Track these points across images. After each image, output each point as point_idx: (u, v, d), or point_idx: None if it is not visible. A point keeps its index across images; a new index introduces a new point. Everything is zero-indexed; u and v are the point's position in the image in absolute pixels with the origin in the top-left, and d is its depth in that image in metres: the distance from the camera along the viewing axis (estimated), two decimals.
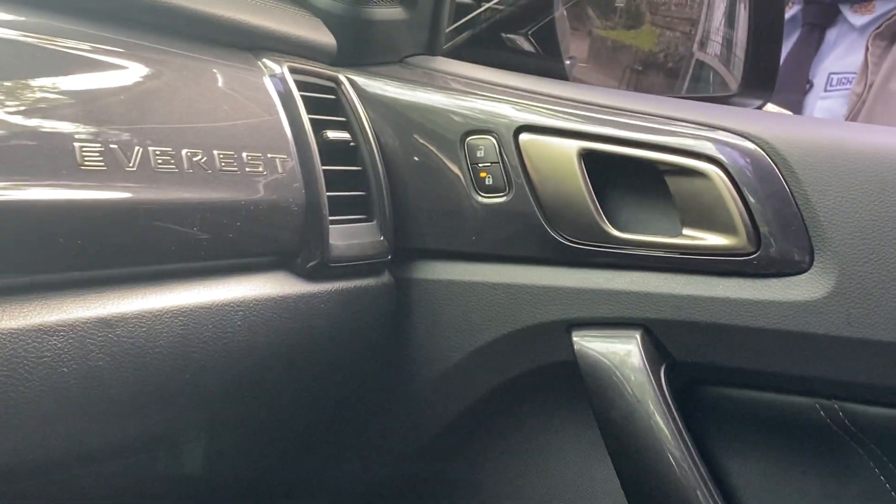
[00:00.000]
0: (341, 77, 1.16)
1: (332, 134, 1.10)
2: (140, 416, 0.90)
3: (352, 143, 1.14)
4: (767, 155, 1.02)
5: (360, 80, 1.18)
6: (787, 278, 1.01)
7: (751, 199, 1.02)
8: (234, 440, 1.12)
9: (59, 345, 0.79)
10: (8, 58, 0.80)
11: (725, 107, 1.25)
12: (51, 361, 0.78)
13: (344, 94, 1.16)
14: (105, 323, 0.83)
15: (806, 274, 1.00)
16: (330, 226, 1.06)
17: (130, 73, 0.90)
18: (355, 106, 1.16)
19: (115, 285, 0.86)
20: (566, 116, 1.11)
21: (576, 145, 1.09)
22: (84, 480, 0.96)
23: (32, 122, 0.79)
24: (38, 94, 0.81)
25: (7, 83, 0.79)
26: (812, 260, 1.00)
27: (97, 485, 0.98)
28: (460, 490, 1.25)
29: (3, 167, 0.75)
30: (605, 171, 1.08)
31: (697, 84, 1.77)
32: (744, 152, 1.03)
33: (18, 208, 0.76)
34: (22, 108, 0.79)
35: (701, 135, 1.06)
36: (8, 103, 0.78)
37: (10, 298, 0.77)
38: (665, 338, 1.06)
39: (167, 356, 0.88)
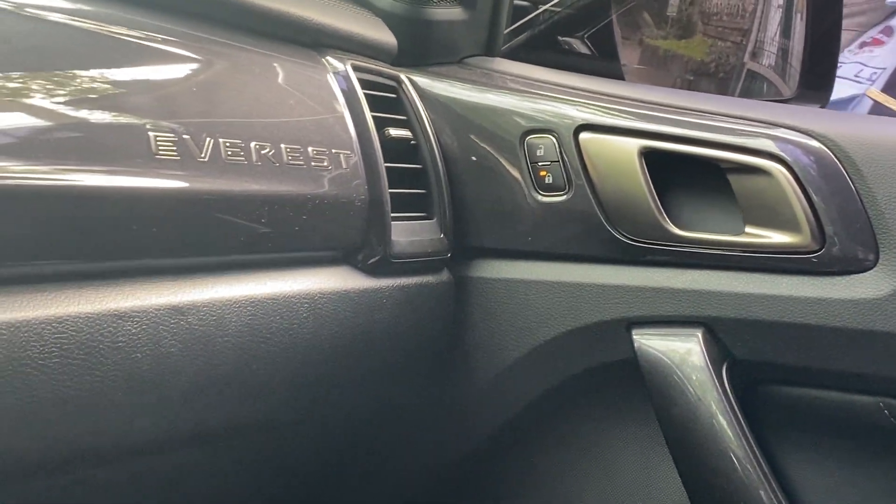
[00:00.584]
0: (402, 76, 1.17)
1: (394, 132, 1.11)
2: (208, 404, 0.90)
3: (413, 142, 1.15)
4: (832, 152, 1.02)
5: (421, 80, 1.19)
6: (851, 276, 1.01)
7: (815, 197, 1.01)
8: (295, 432, 1.12)
9: (134, 330, 0.80)
10: (88, 48, 0.82)
11: (788, 105, 1.25)
12: (125, 347, 0.79)
13: (405, 93, 1.17)
14: (177, 310, 0.84)
15: (870, 272, 1.00)
16: (392, 222, 1.07)
17: (202, 66, 0.92)
18: (416, 105, 1.17)
19: (187, 274, 0.87)
20: (626, 115, 1.11)
21: (636, 144, 1.09)
22: (149, 468, 0.97)
23: (109, 111, 0.80)
24: (115, 84, 0.82)
25: (86, 72, 0.80)
26: (877, 258, 1.00)
27: (159, 473, 0.99)
28: (518, 489, 1.25)
29: (82, 153, 0.76)
30: (666, 169, 1.08)
31: (750, 93, 1.77)
32: (808, 150, 1.03)
33: (95, 194, 0.77)
34: (100, 97, 0.80)
35: (764, 133, 1.05)
36: (87, 92, 0.79)
37: (86, 284, 0.78)
38: (727, 336, 1.06)
39: (236, 345, 0.89)
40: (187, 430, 0.91)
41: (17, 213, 0.72)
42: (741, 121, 1.08)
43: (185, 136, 0.85)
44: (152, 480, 0.99)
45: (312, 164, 0.98)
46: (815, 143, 1.03)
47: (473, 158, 1.17)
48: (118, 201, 0.79)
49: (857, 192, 1.00)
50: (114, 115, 0.80)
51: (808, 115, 1.10)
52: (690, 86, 1.72)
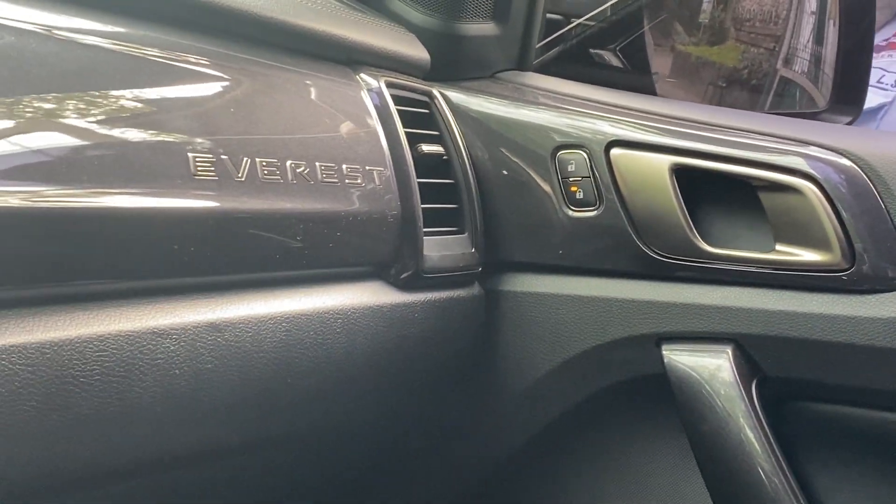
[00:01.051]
0: (435, 91, 1.19)
1: (426, 147, 1.12)
2: (244, 417, 0.92)
3: (445, 157, 1.16)
4: (862, 171, 1.02)
5: (453, 95, 1.20)
6: (882, 294, 1.01)
7: (845, 216, 1.02)
8: (326, 445, 1.14)
9: (172, 347, 0.82)
10: (124, 69, 0.83)
11: (817, 122, 1.25)
12: (164, 364, 0.81)
13: (437, 108, 1.18)
14: (214, 327, 0.85)
15: None
16: (424, 237, 1.08)
17: (238, 85, 0.93)
18: (448, 120, 1.18)
19: (224, 291, 0.88)
20: (657, 131, 1.12)
21: (667, 160, 1.09)
22: (186, 480, 0.98)
23: (149, 132, 0.82)
24: (153, 105, 0.84)
25: (123, 93, 0.82)
26: None
27: (197, 485, 1.01)
28: (547, 500, 1.26)
29: (122, 174, 0.78)
30: (697, 185, 1.09)
31: (783, 100, 1.77)
32: (838, 168, 1.03)
33: (135, 215, 0.79)
34: (139, 118, 0.82)
35: (794, 150, 1.06)
36: (126, 113, 0.81)
37: (126, 303, 0.80)
38: (756, 352, 1.06)
39: (271, 360, 0.91)
40: (224, 442, 0.93)
41: (59, 233, 0.74)
42: (772, 138, 1.08)
43: (223, 157, 0.86)
44: (190, 492, 1.01)
45: (346, 181, 0.99)
46: (845, 162, 1.03)
47: (505, 173, 1.18)
48: (158, 221, 0.80)
49: (887, 210, 1.01)
50: (154, 136, 0.82)
51: (839, 133, 1.10)
52: (723, 93, 1.72)
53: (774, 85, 1.79)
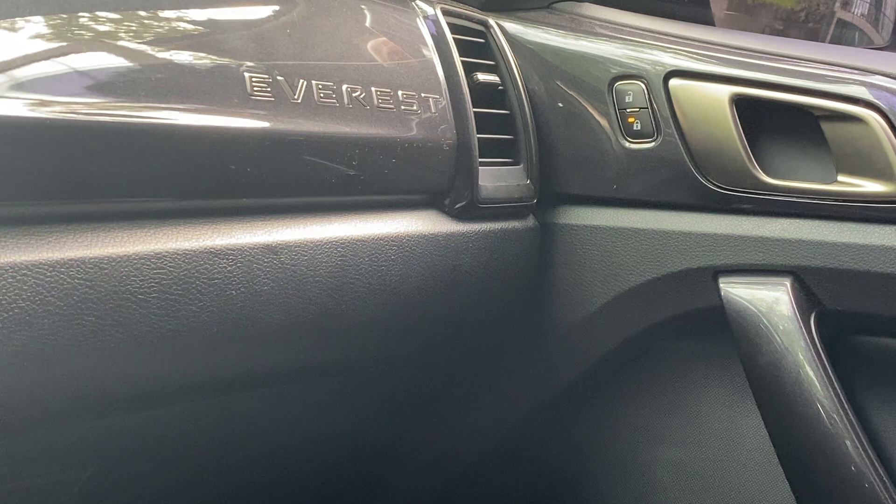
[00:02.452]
0: (491, 21, 1.17)
1: (482, 76, 1.11)
2: (297, 343, 0.92)
3: (500, 87, 1.15)
4: None
5: (509, 26, 1.19)
6: None
7: None
8: (377, 376, 1.14)
9: (229, 268, 0.82)
10: None
11: (881, 52, 1.22)
12: (221, 283, 0.81)
13: (493, 38, 1.16)
14: (270, 249, 0.85)
15: None
16: (479, 167, 1.07)
17: (295, 7, 0.93)
18: (504, 50, 1.16)
19: (279, 214, 0.88)
20: (717, 61, 1.10)
21: (727, 90, 1.07)
22: (243, 403, 0.99)
23: (206, 52, 0.81)
24: (211, 26, 0.84)
25: (182, 13, 0.81)
26: None
27: (254, 408, 1.02)
28: (600, 433, 1.26)
29: (180, 93, 0.78)
30: (757, 116, 1.07)
31: (841, 40, 1.73)
32: None
33: (192, 133, 0.79)
34: (197, 38, 0.81)
35: (858, 79, 1.03)
36: (184, 33, 0.81)
37: (183, 222, 0.80)
38: (816, 285, 1.05)
39: (327, 285, 0.91)
40: (281, 366, 0.93)
41: (116, 150, 0.74)
42: (835, 67, 1.06)
43: (279, 78, 0.86)
44: (247, 414, 1.02)
45: (402, 107, 0.98)
46: None
47: (561, 104, 1.16)
48: (214, 141, 0.80)
49: None
50: (210, 56, 0.82)
51: None
52: (779, 35, 1.69)
53: (833, 25, 1.75)
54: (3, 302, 0.67)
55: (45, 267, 0.69)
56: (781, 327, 1.04)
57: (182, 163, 0.78)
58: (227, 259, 0.81)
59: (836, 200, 1.03)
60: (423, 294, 1.03)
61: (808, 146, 1.06)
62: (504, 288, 1.15)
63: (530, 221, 1.17)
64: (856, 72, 1.05)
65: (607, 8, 1.26)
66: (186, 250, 0.79)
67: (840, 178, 1.03)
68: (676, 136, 1.10)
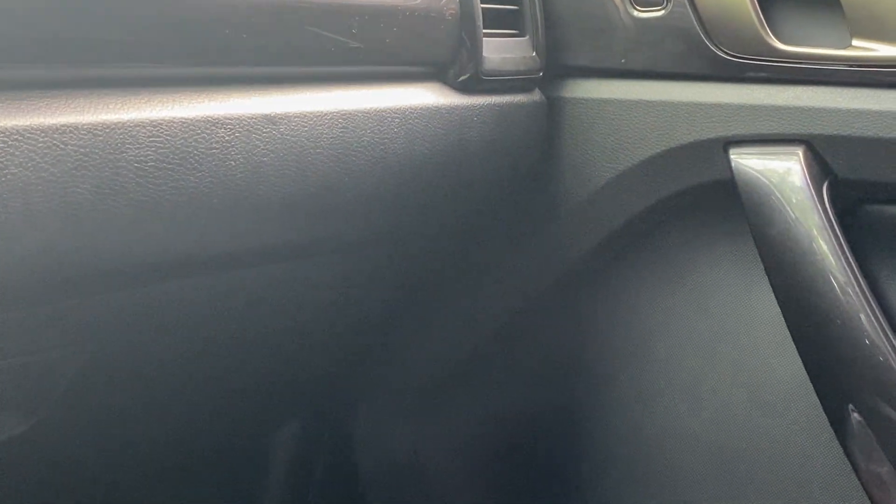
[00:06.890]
0: None
1: None
2: (302, 214, 0.91)
3: None
4: None
5: None
6: None
7: None
8: (386, 247, 1.13)
9: (227, 137, 0.80)
10: None
11: None
12: (219, 153, 0.79)
13: None
14: (269, 119, 0.83)
15: None
16: (483, 38, 1.04)
17: None
18: None
19: (278, 84, 0.86)
20: None
21: None
22: (244, 279, 0.98)
23: None
24: None
25: None
26: None
27: (256, 284, 1.01)
28: (611, 309, 1.25)
29: None
30: None
31: None
32: None
33: None
34: None
35: None
36: None
37: (179, 89, 0.78)
38: (829, 154, 1.02)
39: (328, 156, 0.89)
40: (284, 241, 0.92)
41: (107, 12, 0.71)
42: None
43: None
44: (252, 292, 1.01)
45: None
46: None
47: None
48: (211, 4, 0.78)
49: None
50: None
51: None
52: None
53: None
54: None
55: (37, 132, 0.67)
56: (793, 198, 1.02)
57: (174, 27, 0.76)
58: (225, 128, 0.80)
59: (850, 66, 1.01)
60: (427, 169, 1.01)
61: (822, 10, 1.03)
62: (510, 163, 1.13)
63: (536, 95, 1.14)
64: None
65: None
66: (183, 118, 0.77)
67: (855, 42, 1.00)
68: (686, 3, 1.07)
